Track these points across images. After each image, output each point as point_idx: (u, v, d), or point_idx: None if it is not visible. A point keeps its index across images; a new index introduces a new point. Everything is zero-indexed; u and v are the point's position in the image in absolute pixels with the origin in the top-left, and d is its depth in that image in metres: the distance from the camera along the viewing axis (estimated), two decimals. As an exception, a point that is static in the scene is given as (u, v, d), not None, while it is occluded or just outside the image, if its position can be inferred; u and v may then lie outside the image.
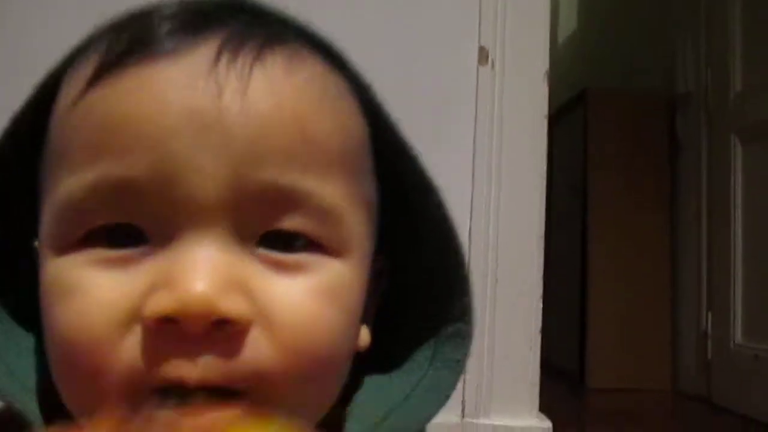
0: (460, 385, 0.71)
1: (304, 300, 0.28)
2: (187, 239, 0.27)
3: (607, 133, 2.75)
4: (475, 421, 0.85)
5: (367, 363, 0.34)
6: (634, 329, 2.68)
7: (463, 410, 0.86)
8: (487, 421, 0.86)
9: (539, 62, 0.92)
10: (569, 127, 2.96)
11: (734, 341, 2.32)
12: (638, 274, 2.70)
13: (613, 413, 2.28)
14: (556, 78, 3.84)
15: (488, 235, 0.88)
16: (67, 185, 0.28)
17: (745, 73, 2.35)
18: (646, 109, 2.77)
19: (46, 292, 0.29)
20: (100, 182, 0.27)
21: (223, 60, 0.28)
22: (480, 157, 0.91)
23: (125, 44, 0.28)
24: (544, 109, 0.91)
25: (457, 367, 0.34)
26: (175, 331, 0.25)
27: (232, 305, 0.26)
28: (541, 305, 0.89)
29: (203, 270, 0.26)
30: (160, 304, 0.26)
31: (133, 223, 0.28)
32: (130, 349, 0.26)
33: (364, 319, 0.33)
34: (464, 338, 0.34)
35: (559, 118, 3.08)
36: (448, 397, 0.33)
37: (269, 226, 0.28)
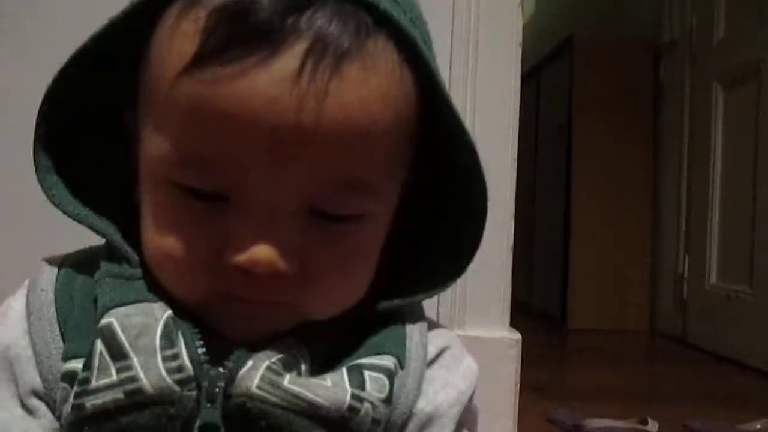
0: (435, 300, 0.76)
1: (341, 262, 0.36)
2: (260, 210, 0.34)
3: (592, 77, 2.77)
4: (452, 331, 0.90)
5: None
6: (615, 272, 2.75)
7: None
8: (461, 333, 0.91)
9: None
10: (556, 72, 2.98)
11: (709, 282, 2.40)
12: (620, 219, 2.76)
13: (591, 351, 2.36)
14: (544, 24, 3.82)
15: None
16: (165, 146, 0.35)
17: (729, 20, 2.37)
18: (631, 55, 2.79)
19: (149, 205, 0.37)
20: (192, 158, 0.34)
21: (306, 71, 0.32)
22: (456, 85, 0.94)
23: (227, 33, 0.32)
24: (518, 37, 0.94)
25: (461, 270, 0.42)
26: (246, 272, 0.34)
27: (287, 266, 0.34)
28: (512, 224, 0.94)
29: (268, 237, 0.34)
30: (238, 259, 0.34)
31: (215, 190, 0.34)
32: (212, 274, 0.35)
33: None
34: (467, 254, 0.42)
35: (546, 64, 3.10)
36: (446, 286, 0.42)
37: (323, 208, 0.35)
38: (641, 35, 2.90)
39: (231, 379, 0.34)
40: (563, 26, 3.35)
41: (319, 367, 0.37)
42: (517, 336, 0.92)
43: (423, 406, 0.39)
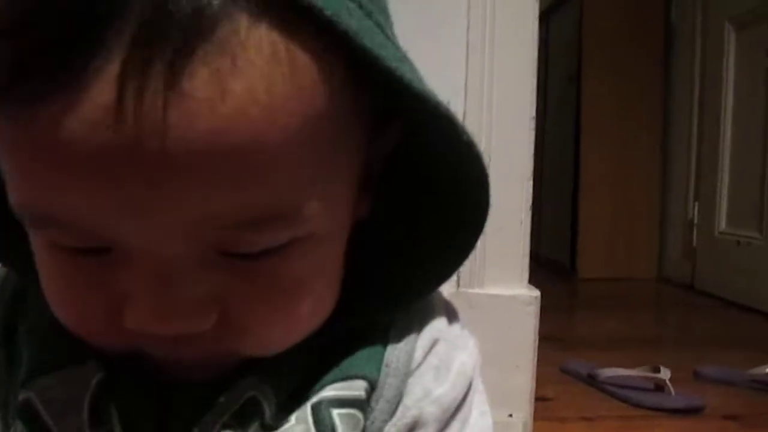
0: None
1: (276, 301, 0.28)
2: (147, 260, 0.26)
3: (602, 23, 2.72)
4: (469, 290, 0.91)
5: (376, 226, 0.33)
6: (624, 221, 2.76)
7: (458, 281, 0.92)
8: (480, 291, 0.92)
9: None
10: (565, 18, 2.93)
11: (718, 229, 2.41)
12: (629, 166, 2.76)
13: (601, 300, 2.39)
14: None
15: (482, 117, 0.91)
16: (10, 187, 0.26)
17: (743, -41, 2.31)
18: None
19: (36, 255, 0.29)
20: (37, 216, 0.26)
21: (127, 100, 0.22)
22: (474, 46, 0.93)
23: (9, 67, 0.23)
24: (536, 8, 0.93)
25: (468, 248, 0.34)
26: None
27: (197, 324, 0.27)
28: (531, 183, 0.94)
29: (164, 294, 0.26)
30: (134, 325, 0.27)
31: (86, 246, 0.27)
32: (123, 331, 0.28)
33: (366, 187, 0.32)
34: (475, 227, 0.33)
35: (555, 10, 3.04)
36: (451, 273, 0.35)
37: (233, 251, 0.27)
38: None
39: None
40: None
41: (287, 400, 0.32)
42: (536, 293, 0.94)
43: (391, 429, 0.34)
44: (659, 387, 1.25)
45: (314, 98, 0.25)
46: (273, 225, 0.26)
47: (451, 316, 0.37)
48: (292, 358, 0.31)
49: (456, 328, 0.37)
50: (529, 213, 0.93)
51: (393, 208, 0.34)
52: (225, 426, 0.30)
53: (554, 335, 1.61)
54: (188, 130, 0.23)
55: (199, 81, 0.22)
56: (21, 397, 0.30)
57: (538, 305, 0.94)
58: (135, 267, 0.26)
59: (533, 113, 0.96)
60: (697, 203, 2.57)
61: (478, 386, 0.37)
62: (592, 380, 1.29)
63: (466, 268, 0.90)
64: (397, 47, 0.28)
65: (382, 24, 0.27)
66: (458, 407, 0.35)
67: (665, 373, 1.24)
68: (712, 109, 2.44)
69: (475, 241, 0.34)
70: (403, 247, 0.34)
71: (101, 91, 0.22)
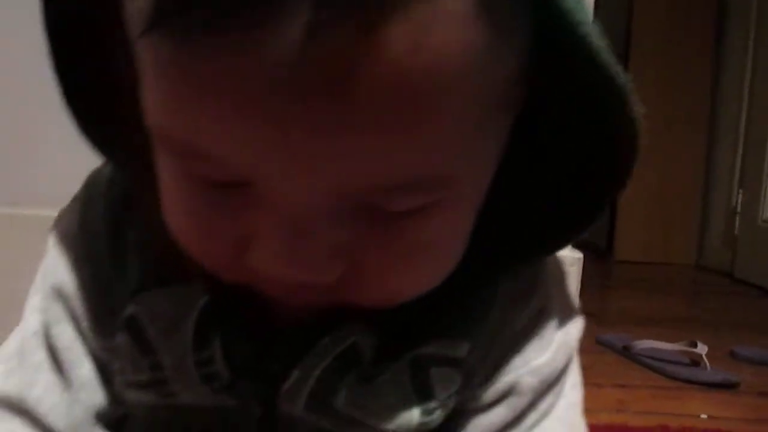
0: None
1: (406, 260, 0.27)
2: (288, 203, 0.25)
3: (652, 7, 2.68)
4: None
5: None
6: (664, 204, 2.73)
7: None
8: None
9: None
10: (614, 3, 2.88)
11: (762, 218, 2.37)
12: (673, 150, 2.71)
13: (638, 282, 2.38)
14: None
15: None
16: (156, 112, 0.25)
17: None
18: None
19: (161, 178, 0.28)
20: (187, 147, 0.24)
21: (320, 36, 0.21)
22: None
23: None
24: None
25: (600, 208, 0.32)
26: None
27: (326, 276, 0.26)
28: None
29: (300, 241, 0.25)
30: (261, 267, 0.26)
31: (229, 180, 0.25)
32: (245, 268, 0.27)
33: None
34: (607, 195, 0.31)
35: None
36: (583, 232, 0.32)
37: (377, 204, 0.25)
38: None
39: (275, 391, 0.30)
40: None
41: (386, 351, 0.31)
42: (579, 255, 0.95)
43: (486, 393, 0.33)
44: (695, 362, 1.25)
45: (502, 54, 0.24)
46: (426, 187, 0.25)
47: (562, 286, 0.36)
48: (396, 310, 0.30)
49: (564, 297, 0.35)
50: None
51: (518, 164, 0.31)
52: (325, 370, 0.29)
53: (589, 311, 1.61)
54: (374, 79, 0.21)
55: (393, 30, 0.21)
56: (128, 310, 0.31)
57: (581, 267, 0.95)
58: (271, 208, 0.25)
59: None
60: (741, 191, 2.52)
61: (575, 360, 0.36)
62: (627, 352, 1.30)
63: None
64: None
65: None
66: (556, 379, 0.34)
67: (702, 349, 1.24)
68: (763, 97, 2.39)
69: (603, 205, 0.31)
70: (520, 209, 0.32)
71: (292, 28, 0.21)
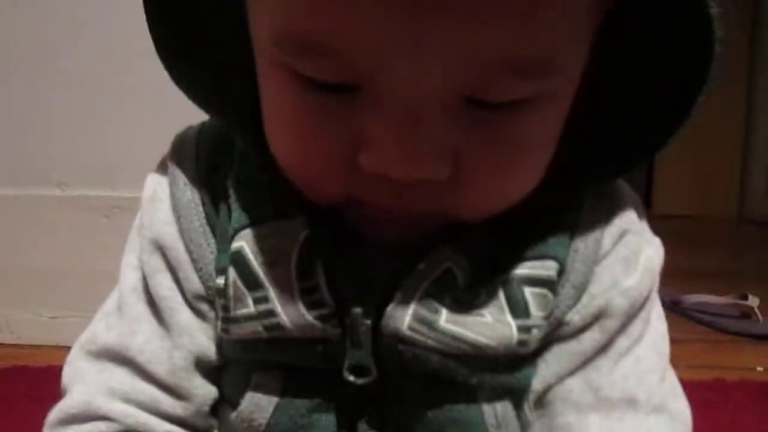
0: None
1: (506, 161, 0.28)
2: (398, 100, 0.26)
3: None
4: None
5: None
6: (703, 155, 2.66)
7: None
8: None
9: None
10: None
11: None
12: (711, 102, 2.63)
13: (679, 235, 2.33)
14: None
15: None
16: (271, 20, 0.27)
17: None
18: None
19: (267, 96, 0.30)
20: (302, 41, 0.26)
21: None
22: None
23: None
24: None
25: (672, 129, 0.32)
26: (385, 178, 0.28)
27: (435, 172, 0.27)
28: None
29: (410, 136, 0.26)
30: (372, 166, 0.27)
31: (342, 81, 0.27)
32: (347, 178, 0.29)
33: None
34: (685, 115, 0.32)
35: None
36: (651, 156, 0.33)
37: (481, 95, 0.27)
38: None
39: (379, 313, 0.31)
40: None
41: (479, 274, 0.32)
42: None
43: (574, 317, 0.34)
44: (746, 315, 1.23)
45: None
46: (536, 71, 0.26)
47: (640, 211, 0.37)
48: (485, 233, 0.32)
49: (643, 222, 0.36)
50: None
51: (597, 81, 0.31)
52: (424, 292, 0.30)
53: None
54: None
55: None
56: (234, 245, 0.32)
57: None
58: (382, 108, 0.26)
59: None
60: (784, 138, 2.45)
61: (657, 289, 0.36)
62: (675, 306, 1.28)
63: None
64: None
65: None
66: (643, 303, 0.35)
67: (753, 301, 1.22)
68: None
69: (676, 126, 0.32)
70: (598, 125, 0.33)
71: None
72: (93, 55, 0.94)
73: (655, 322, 0.36)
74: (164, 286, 0.35)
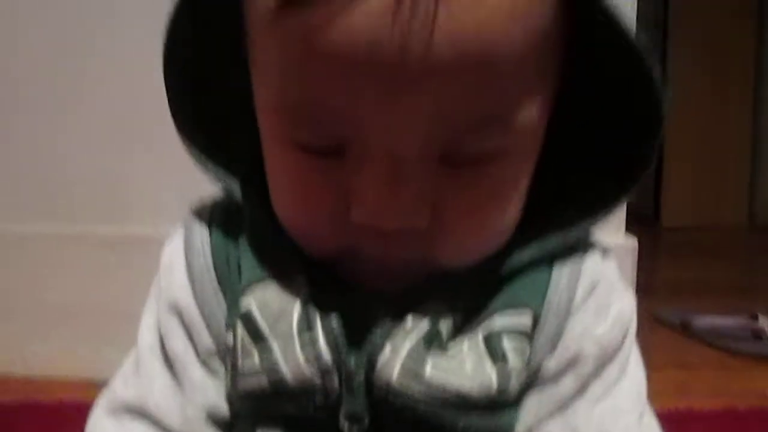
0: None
1: (476, 207, 0.32)
2: (380, 159, 0.30)
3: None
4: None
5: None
6: (711, 164, 2.65)
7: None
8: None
9: None
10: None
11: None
12: (718, 105, 2.63)
13: (689, 247, 2.33)
14: None
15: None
16: (272, 97, 0.32)
17: None
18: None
19: (270, 165, 0.34)
20: (297, 109, 0.31)
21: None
22: None
23: None
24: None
25: (630, 185, 0.36)
26: (373, 228, 0.31)
27: (416, 219, 0.31)
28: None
29: (392, 188, 0.30)
30: (360, 218, 0.31)
31: (330, 143, 0.31)
32: (339, 231, 0.33)
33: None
34: (647, 162, 0.35)
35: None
36: (615, 207, 0.36)
37: (455, 151, 0.31)
38: None
39: (371, 366, 0.34)
40: None
41: (460, 325, 0.35)
42: (633, 243, 0.93)
43: (550, 364, 0.36)
44: (757, 335, 1.22)
45: (541, 14, 0.30)
46: (496, 127, 0.31)
47: (611, 261, 0.39)
48: (467, 285, 0.35)
49: (615, 272, 0.38)
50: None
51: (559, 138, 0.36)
52: (411, 346, 0.33)
53: (642, 284, 1.59)
54: (451, 27, 0.27)
55: None
56: (242, 303, 0.35)
57: (636, 255, 0.93)
58: (367, 168, 0.31)
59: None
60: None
61: (634, 337, 0.38)
62: (685, 328, 1.27)
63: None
64: None
65: None
66: (616, 350, 0.37)
67: (764, 321, 1.21)
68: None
69: (640, 174, 0.35)
70: (564, 179, 0.37)
71: None
72: (103, 94, 0.95)
73: (633, 368, 0.38)
74: (179, 345, 0.38)
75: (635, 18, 0.93)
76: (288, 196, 0.34)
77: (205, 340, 0.38)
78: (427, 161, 0.31)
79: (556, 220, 0.36)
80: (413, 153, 0.30)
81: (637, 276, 1.57)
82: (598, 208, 0.36)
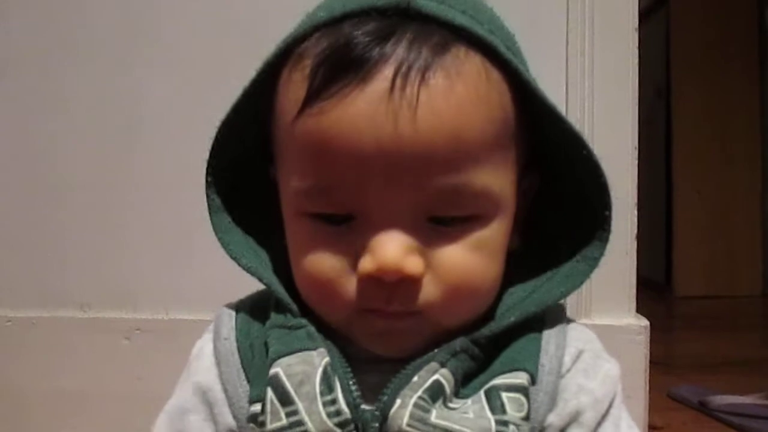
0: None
1: (461, 257, 0.39)
2: (381, 223, 0.38)
3: (692, 31, 2.64)
4: (577, 321, 0.90)
5: (519, 258, 0.43)
6: (723, 232, 2.64)
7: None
8: (588, 321, 0.91)
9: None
10: (653, 26, 2.85)
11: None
12: (727, 174, 2.63)
13: (704, 320, 2.29)
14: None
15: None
16: (294, 181, 0.40)
17: None
18: (733, 4, 2.63)
19: (292, 238, 0.42)
20: (315, 188, 0.39)
21: (397, 87, 0.36)
22: (573, 75, 0.93)
23: (327, 72, 0.37)
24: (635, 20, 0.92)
25: (593, 263, 0.43)
26: (377, 281, 0.38)
27: (413, 266, 0.38)
28: (636, 213, 0.93)
29: (392, 243, 0.38)
30: (367, 267, 0.38)
31: (341, 213, 0.39)
32: (349, 290, 0.39)
33: (515, 228, 0.42)
34: (602, 242, 0.43)
35: (640, 21, 2.96)
36: (582, 283, 0.43)
37: (437, 213, 0.38)
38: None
39: (384, 417, 0.39)
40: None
41: (459, 382, 0.40)
42: (645, 323, 0.92)
43: (553, 419, 0.41)
44: (776, 414, 1.19)
45: (499, 101, 0.39)
46: (472, 193, 0.38)
47: (591, 334, 0.45)
48: (464, 348, 0.40)
49: (597, 342, 0.44)
50: (635, 242, 0.91)
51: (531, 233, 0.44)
52: (418, 398, 0.38)
53: (656, 358, 1.56)
54: (431, 108, 0.36)
55: (439, 78, 0.36)
56: (271, 371, 0.40)
57: (648, 334, 0.92)
58: (371, 229, 0.38)
59: (636, 143, 0.95)
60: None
61: (622, 401, 0.43)
62: (703, 407, 1.24)
63: (572, 299, 0.89)
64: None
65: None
66: (609, 406, 0.42)
67: (783, 400, 1.18)
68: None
69: (599, 257, 0.43)
70: (536, 263, 0.44)
71: (380, 82, 0.36)
72: (115, 179, 0.98)
73: (625, 429, 0.42)
74: (199, 421, 0.43)
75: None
76: (305, 263, 0.40)
77: (227, 417, 0.43)
78: (419, 222, 0.38)
79: (543, 287, 0.43)
80: (405, 218, 0.38)
81: (651, 350, 1.55)
82: (575, 276, 0.43)
